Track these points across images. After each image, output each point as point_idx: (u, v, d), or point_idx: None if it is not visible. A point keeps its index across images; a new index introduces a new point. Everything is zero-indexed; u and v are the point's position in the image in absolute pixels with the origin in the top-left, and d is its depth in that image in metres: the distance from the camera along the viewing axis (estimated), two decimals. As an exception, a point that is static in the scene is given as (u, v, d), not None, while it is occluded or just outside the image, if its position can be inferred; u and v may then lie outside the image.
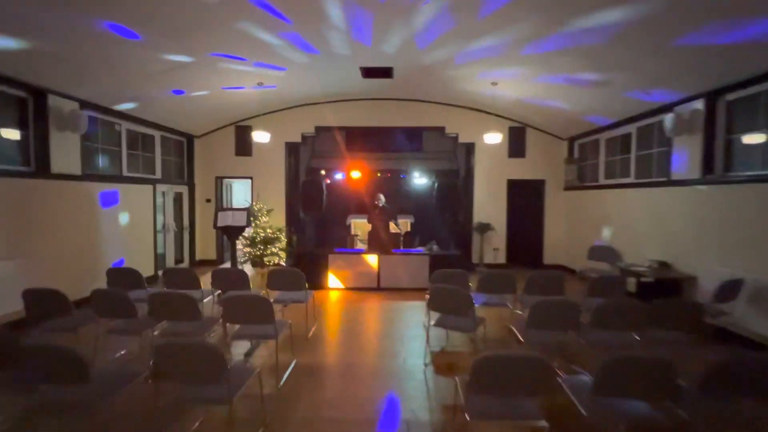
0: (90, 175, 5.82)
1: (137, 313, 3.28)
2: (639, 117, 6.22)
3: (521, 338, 3.26)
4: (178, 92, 6.41)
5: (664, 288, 5.05)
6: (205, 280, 4.64)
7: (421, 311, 5.56)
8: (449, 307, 3.58)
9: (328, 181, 8.96)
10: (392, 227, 8.05)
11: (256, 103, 7.46)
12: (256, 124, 8.65)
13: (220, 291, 4.49)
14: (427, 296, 4.43)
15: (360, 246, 8.27)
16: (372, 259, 6.84)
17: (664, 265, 5.35)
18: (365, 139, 9.88)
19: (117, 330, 3.36)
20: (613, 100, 6.12)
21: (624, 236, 6.54)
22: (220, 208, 6.27)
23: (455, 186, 6.89)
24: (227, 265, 8.09)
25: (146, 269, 7.08)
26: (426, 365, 3.79)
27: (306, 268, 6.86)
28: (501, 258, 8.92)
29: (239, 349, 4.00)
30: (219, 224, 6.09)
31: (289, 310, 4.83)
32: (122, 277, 4.37)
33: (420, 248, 7.99)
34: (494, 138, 6.97)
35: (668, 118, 5.21)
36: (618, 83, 5.53)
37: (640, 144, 6.36)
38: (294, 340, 4.16)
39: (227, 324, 3.60)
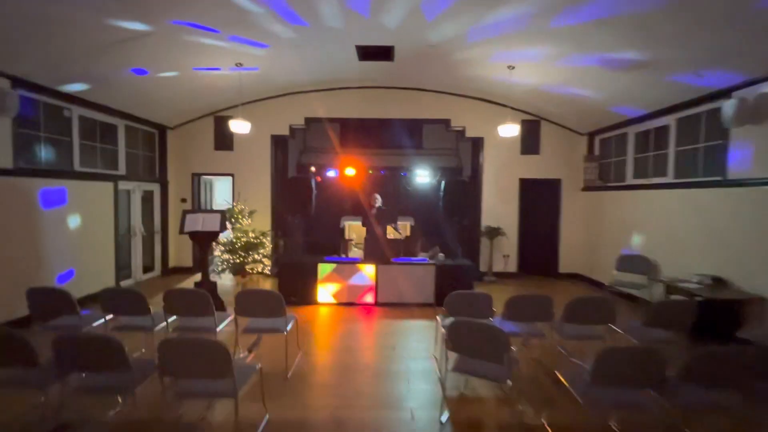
0: (26, 169, 4.80)
1: (38, 360, 2.30)
2: (681, 106, 5.34)
3: (578, 397, 2.33)
4: (140, 72, 5.41)
5: (722, 310, 4.16)
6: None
7: (428, 334, 4.64)
8: (477, 350, 2.64)
9: (319, 179, 7.99)
10: (391, 232, 7.12)
11: (236, 90, 6.49)
12: (237, 115, 7.64)
13: (174, 317, 3.51)
14: (438, 320, 3.51)
15: (355, 251, 7.34)
16: (369, 270, 5.90)
17: (718, 281, 4.47)
18: (361, 133, 8.94)
19: (12, 384, 2.38)
20: (652, 86, 5.22)
21: (660, 244, 5.65)
22: (187, 210, 5.30)
23: (464, 185, 5.98)
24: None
25: (105, 280, 6.07)
26: (443, 423, 2.85)
27: (291, 279, 5.92)
28: (512, 266, 8.02)
29: (191, 406, 3.01)
30: (186, 229, 5.10)
31: (265, 340, 3.86)
32: (49, 299, 3.37)
33: (423, 257, 7.08)
34: (510, 130, 6.06)
35: (728, 105, 4.32)
36: (664, 63, 4.63)
37: (682, 138, 5.48)
38: (269, 382, 3.20)
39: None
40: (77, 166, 5.64)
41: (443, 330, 3.07)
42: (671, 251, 5.43)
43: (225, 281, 7.24)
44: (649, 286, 5.55)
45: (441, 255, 6.45)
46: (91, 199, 5.86)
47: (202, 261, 5.33)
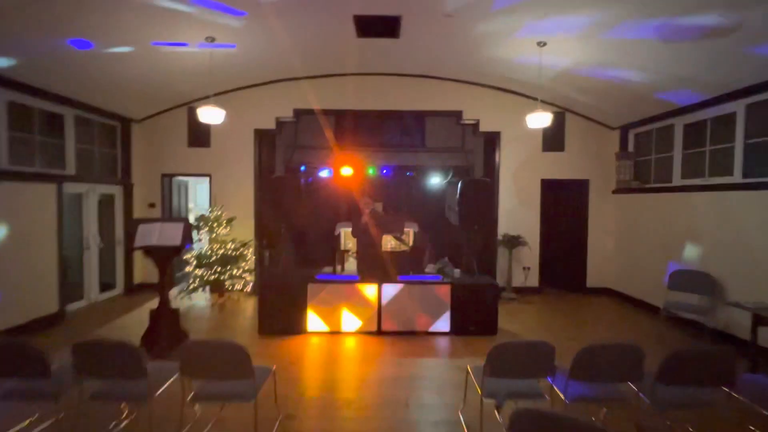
0: None
1: None
2: (756, 88, 4.33)
3: None
4: (81, 44, 4.31)
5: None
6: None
7: (447, 377, 3.57)
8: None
9: (310, 180, 6.91)
10: (389, 241, 6.04)
11: (211, 75, 5.43)
12: (211, 103, 6.57)
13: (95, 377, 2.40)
14: (470, 374, 2.47)
15: (353, 263, 6.28)
16: (369, 291, 4.82)
17: (826, 309, 3.44)
18: (359, 128, 7.90)
19: None
20: (725, 61, 4.21)
21: (724, 258, 4.63)
22: (141, 219, 4.23)
23: (485, 187, 4.93)
24: (174, 292, 6.00)
25: (45, 305, 4.94)
26: None
27: (274, 303, 4.81)
28: (533, 279, 6.97)
29: None
30: (137, 244, 4.00)
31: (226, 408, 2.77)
32: None
33: (431, 272, 6.05)
34: (540, 120, 5.02)
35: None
36: (748, 29, 3.62)
37: (755, 128, 4.47)
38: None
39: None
40: (4, 164, 4.51)
41: (498, 410, 1.99)
42: (741, 267, 4.40)
43: (199, 301, 6.12)
44: (715, 310, 4.52)
45: (456, 270, 5.40)
46: (25, 203, 4.73)
47: (160, 283, 4.22)
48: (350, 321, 4.79)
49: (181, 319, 4.35)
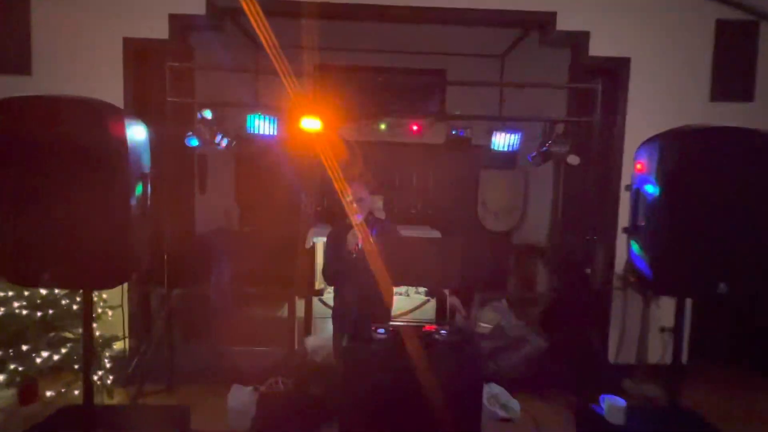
0: None
1: None
2: None
3: None
4: None
5: None
6: None
7: None
8: None
9: (223, 144, 3.31)
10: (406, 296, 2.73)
11: None
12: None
13: None
14: None
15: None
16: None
17: None
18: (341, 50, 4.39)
19: None
20: None
21: None
22: None
23: (760, 152, 1.51)
24: None
25: None
26: None
27: None
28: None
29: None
30: None
31: None
32: None
33: (486, 331, 2.86)
34: None
35: None
36: None
37: None
38: None
39: None
40: None
41: None
42: None
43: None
44: None
45: (519, 323, 2.04)
46: None
47: None
48: None
49: None
